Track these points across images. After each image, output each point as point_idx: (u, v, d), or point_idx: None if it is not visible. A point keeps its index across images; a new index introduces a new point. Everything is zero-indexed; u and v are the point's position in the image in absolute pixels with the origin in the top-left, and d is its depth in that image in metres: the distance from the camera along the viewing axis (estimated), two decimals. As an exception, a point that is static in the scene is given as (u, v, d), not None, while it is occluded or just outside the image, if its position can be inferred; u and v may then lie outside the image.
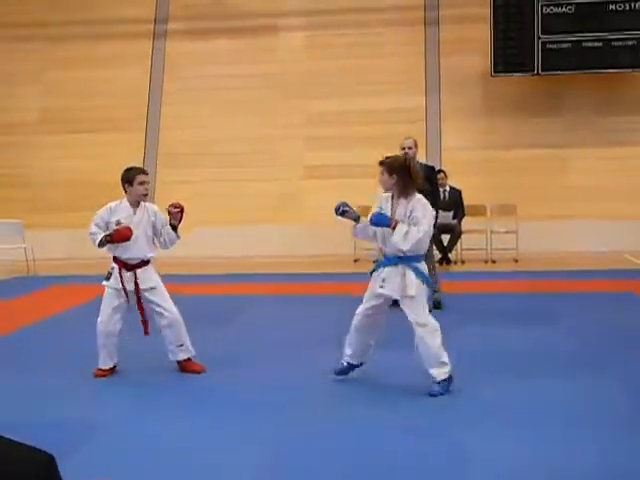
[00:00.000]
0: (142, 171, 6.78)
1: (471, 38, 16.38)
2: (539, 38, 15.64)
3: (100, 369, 6.65)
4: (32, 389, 6.29)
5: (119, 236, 6.48)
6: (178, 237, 6.74)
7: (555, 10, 15.56)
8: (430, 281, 6.10)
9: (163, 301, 6.60)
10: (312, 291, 11.27)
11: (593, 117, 16.08)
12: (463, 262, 14.04)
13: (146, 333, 6.68)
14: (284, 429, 5.16)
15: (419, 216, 5.78)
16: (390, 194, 5.98)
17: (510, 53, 15.79)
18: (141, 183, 6.64)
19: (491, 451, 4.70)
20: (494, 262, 14.11)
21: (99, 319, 6.61)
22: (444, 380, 5.88)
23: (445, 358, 5.87)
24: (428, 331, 5.83)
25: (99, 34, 17.47)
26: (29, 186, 16.83)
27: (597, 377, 6.29)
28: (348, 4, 17.12)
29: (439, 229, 12.72)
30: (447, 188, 14.10)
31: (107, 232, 6.51)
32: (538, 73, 15.78)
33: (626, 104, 15.99)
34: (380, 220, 5.85)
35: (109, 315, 6.56)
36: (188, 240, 15.60)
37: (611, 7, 15.41)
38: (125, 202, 6.70)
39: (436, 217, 8.34)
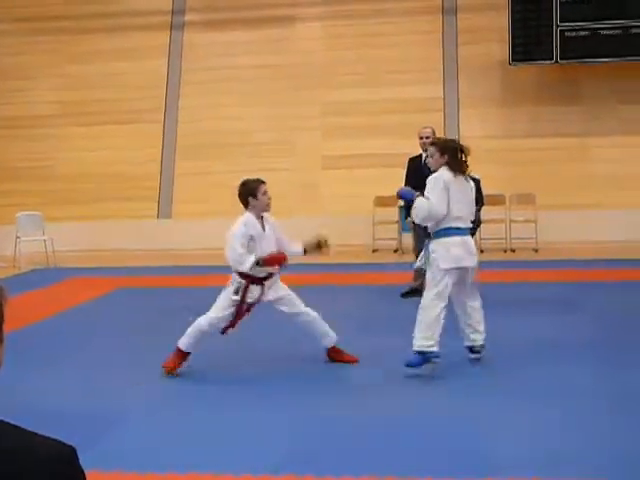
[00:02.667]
0: (261, 181, 6.51)
1: (489, 26, 16.26)
2: (557, 26, 15.50)
3: (180, 350, 6.42)
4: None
5: (274, 262, 6.26)
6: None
7: (574, -3, 15.43)
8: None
9: (296, 307, 6.49)
10: (331, 281, 11.27)
11: (613, 105, 15.94)
12: (482, 251, 13.94)
13: (224, 333, 6.54)
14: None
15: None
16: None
17: (528, 41, 15.66)
18: (264, 193, 6.41)
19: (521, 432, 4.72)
20: (513, 251, 14.06)
21: (212, 314, 6.39)
22: (420, 353, 5.98)
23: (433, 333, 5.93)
24: (428, 299, 5.97)
25: (117, 26, 17.49)
26: (50, 179, 16.90)
27: (622, 364, 6.28)
28: (365, -7, 17.05)
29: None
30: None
31: (259, 257, 6.20)
32: (557, 61, 15.65)
33: (646, 91, 15.84)
34: (405, 194, 6.60)
35: (221, 317, 6.40)
36: (207, 230, 15.77)
37: (630, -7, 15.26)
38: (250, 216, 6.41)
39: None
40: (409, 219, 9.52)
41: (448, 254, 6.03)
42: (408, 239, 11.22)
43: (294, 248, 6.53)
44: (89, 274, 12.63)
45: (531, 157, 15.51)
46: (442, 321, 6.01)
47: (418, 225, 9.50)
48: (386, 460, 4.49)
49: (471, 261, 6.16)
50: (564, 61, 15.64)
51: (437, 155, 6.25)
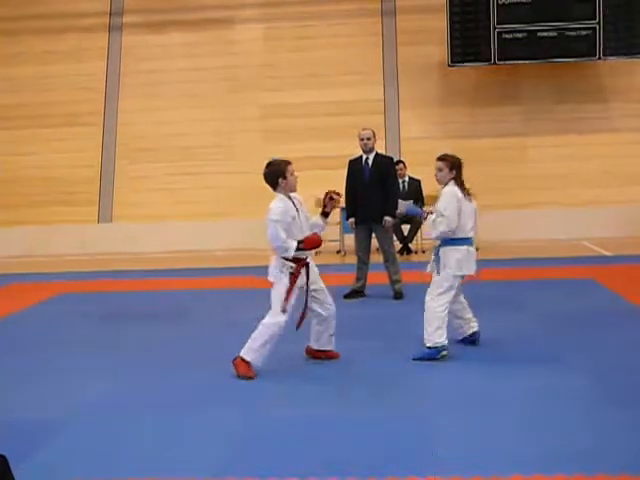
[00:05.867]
0: (288, 161, 6.54)
1: (428, 28, 16.41)
2: (495, 28, 15.72)
3: (251, 367, 6.27)
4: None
5: (311, 244, 6.28)
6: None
7: (510, 0, 15.66)
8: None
9: (326, 295, 6.55)
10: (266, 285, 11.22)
11: (550, 106, 16.23)
12: (424, 251, 14.08)
13: (299, 327, 6.47)
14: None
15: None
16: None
17: (467, 43, 15.85)
18: (292, 173, 6.47)
19: (458, 432, 4.75)
20: (455, 251, 14.16)
21: (280, 318, 6.24)
22: (434, 347, 6.52)
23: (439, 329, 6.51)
24: (436, 299, 6.55)
25: (54, 28, 17.20)
26: (-15, 183, 16.56)
27: (562, 363, 6.37)
28: (305, -5, 17.07)
29: (399, 219, 12.77)
30: (406, 179, 14.15)
31: (298, 240, 6.24)
32: (495, 62, 15.87)
33: (582, 93, 16.16)
34: (413, 211, 7.15)
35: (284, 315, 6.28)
36: (148, 234, 15.62)
37: (565, -3, 15.55)
38: (284, 198, 6.42)
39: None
40: (351, 220, 9.63)
41: (459, 262, 6.58)
42: (350, 240, 11.24)
43: (317, 223, 6.56)
44: (26, 280, 12.38)
45: (471, 157, 15.43)
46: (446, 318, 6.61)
47: (359, 226, 9.59)
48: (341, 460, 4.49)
49: (474, 268, 6.72)
50: (502, 62, 15.87)
51: (446, 170, 6.71)
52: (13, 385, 6.46)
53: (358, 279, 9.81)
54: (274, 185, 6.45)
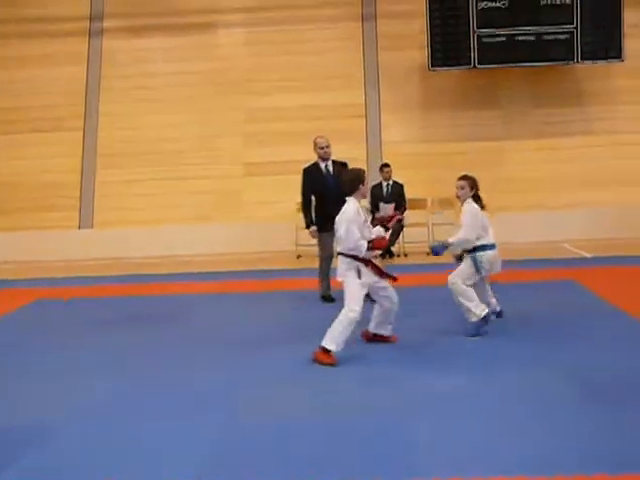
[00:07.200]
0: (364, 170, 7.29)
1: (408, 33, 16.51)
2: (474, 32, 15.83)
3: (330, 354, 6.69)
4: None
5: (380, 245, 6.94)
6: None
7: (489, 4, 15.77)
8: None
9: (387, 286, 7.09)
10: (254, 288, 11.25)
11: (529, 109, 16.37)
12: (406, 255, 14.16)
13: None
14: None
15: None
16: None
17: (447, 47, 15.95)
18: (367, 182, 7.13)
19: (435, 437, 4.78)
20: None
21: (356, 308, 6.70)
22: (482, 318, 7.46)
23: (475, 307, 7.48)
24: (463, 286, 7.56)
25: (34, 32, 17.14)
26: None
27: (542, 363, 6.43)
28: (286, 0, 17.11)
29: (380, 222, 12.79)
30: (390, 182, 14.20)
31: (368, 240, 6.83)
32: (475, 66, 15.98)
33: (560, 96, 16.31)
34: (440, 250, 7.69)
35: (361, 305, 6.77)
36: (129, 239, 15.58)
37: (543, 2, 15.67)
38: (357, 202, 6.94)
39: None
40: (313, 228, 9.76)
41: (487, 263, 7.67)
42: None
43: (379, 231, 7.11)
44: (7, 286, 12.32)
45: (451, 161, 15.76)
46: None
47: (326, 233, 9.34)
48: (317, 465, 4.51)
49: (499, 267, 7.92)
50: (481, 66, 15.98)
51: (468, 188, 7.74)
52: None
53: (327, 285, 9.76)
54: (353, 191, 6.95)
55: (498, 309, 8.12)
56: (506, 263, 12.34)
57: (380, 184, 14.32)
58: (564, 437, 4.78)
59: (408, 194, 14.24)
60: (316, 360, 6.70)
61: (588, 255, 13.24)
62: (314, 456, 4.66)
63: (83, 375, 6.77)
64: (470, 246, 7.65)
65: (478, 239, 7.64)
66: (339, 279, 6.91)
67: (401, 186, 14.25)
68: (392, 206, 13.88)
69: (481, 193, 7.83)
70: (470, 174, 7.83)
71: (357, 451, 4.71)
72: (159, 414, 5.61)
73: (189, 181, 16.29)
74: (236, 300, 10.31)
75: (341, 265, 6.89)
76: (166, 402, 5.90)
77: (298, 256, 14.32)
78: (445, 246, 7.71)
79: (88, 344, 8.05)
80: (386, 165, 14.22)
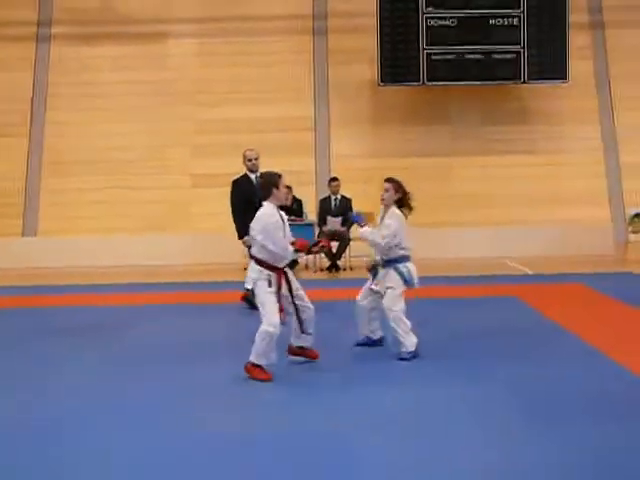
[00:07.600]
0: (280, 174, 6.90)
1: (359, 48, 16.63)
2: (424, 49, 16.02)
3: (262, 369, 6.53)
4: None
5: (303, 247, 6.83)
6: None
7: (439, 22, 15.99)
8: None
9: (305, 297, 6.84)
10: (199, 300, 11.16)
11: (477, 127, 16.60)
12: (352, 269, 14.19)
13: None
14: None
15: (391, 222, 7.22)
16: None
17: (397, 63, 16.12)
18: (284, 186, 6.86)
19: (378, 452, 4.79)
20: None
21: (272, 322, 6.46)
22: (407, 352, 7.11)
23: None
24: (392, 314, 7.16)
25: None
26: None
27: (485, 378, 6.49)
28: (238, 12, 17.11)
29: (328, 236, 12.85)
30: (338, 196, 14.27)
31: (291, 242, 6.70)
32: (424, 83, 16.16)
33: (507, 114, 16.59)
34: (358, 218, 7.45)
35: (277, 317, 6.53)
36: (74, 249, 15.36)
37: (491, 21, 15.95)
38: (272, 206, 6.74)
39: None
40: (246, 238, 9.62)
41: (410, 274, 7.28)
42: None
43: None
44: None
45: (400, 176, 15.75)
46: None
47: None
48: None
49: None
50: (430, 83, 16.16)
51: (392, 191, 7.29)
52: None
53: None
54: (268, 195, 6.76)
55: (377, 337, 7.64)
56: (450, 279, 12.58)
57: (328, 197, 14.39)
58: (509, 452, 4.82)
59: (356, 208, 14.29)
60: (249, 375, 6.55)
61: (530, 272, 13.42)
62: (249, 473, 4.63)
63: (21, 384, 6.62)
64: (389, 255, 7.27)
65: (402, 249, 7.28)
66: (248, 287, 6.78)
67: (349, 200, 14.34)
68: (339, 220, 13.99)
69: (414, 203, 7.45)
70: (396, 178, 7.42)
71: (291, 467, 4.69)
72: (83, 430, 5.46)
73: (136, 191, 16.14)
74: (179, 312, 10.20)
75: (251, 273, 6.70)
76: (94, 418, 5.75)
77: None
78: (366, 219, 7.51)
79: (30, 352, 7.88)
80: (334, 179, 14.29)
